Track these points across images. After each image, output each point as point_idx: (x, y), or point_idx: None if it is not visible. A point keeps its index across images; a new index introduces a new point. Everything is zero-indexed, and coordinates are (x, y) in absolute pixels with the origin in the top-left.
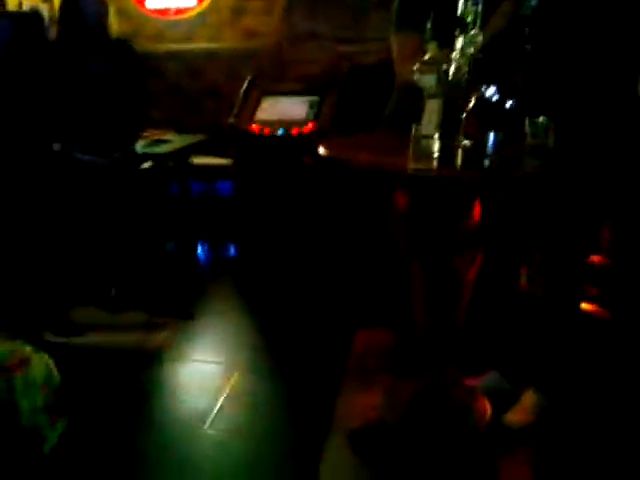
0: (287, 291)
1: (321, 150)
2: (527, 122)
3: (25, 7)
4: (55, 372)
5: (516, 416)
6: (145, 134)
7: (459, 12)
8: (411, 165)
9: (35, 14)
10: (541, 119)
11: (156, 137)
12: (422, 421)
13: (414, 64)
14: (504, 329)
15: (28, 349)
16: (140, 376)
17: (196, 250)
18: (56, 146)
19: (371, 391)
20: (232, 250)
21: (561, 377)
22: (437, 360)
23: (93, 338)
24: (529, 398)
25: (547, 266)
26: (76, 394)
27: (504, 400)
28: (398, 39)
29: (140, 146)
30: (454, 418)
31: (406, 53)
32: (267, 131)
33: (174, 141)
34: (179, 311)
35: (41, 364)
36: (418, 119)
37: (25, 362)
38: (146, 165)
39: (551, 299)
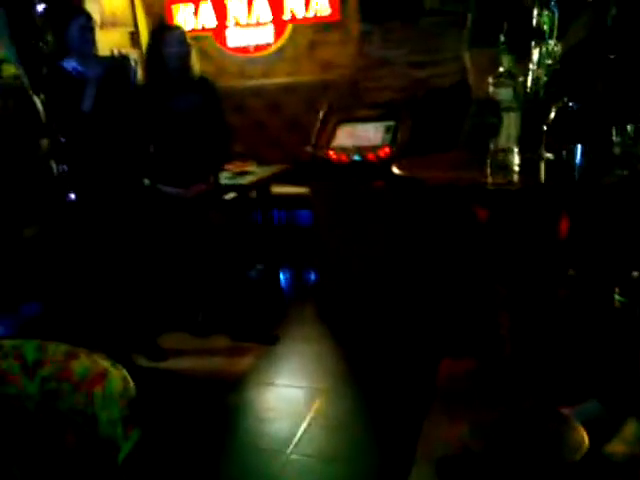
0: (370, 317)
1: (395, 170)
2: (614, 131)
3: (116, 53)
4: (131, 384)
5: (617, 447)
6: (229, 166)
7: (534, 22)
8: (490, 179)
9: (124, 58)
10: (629, 127)
11: (239, 169)
12: (508, 449)
13: (489, 78)
14: (602, 353)
15: (106, 363)
16: (225, 399)
17: (279, 277)
18: (146, 181)
19: (456, 419)
20: (314, 276)
21: None
22: (524, 388)
23: (181, 362)
24: (630, 428)
25: None
26: (160, 416)
27: (604, 430)
28: (473, 55)
29: (224, 178)
30: (542, 446)
31: (481, 68)
32: (344, 157)
33: (256, 172)
34: (263, 336)
35: (118, 377)
36: (496, 134)
37: (103, 375)
38: (230, 196)
39: None
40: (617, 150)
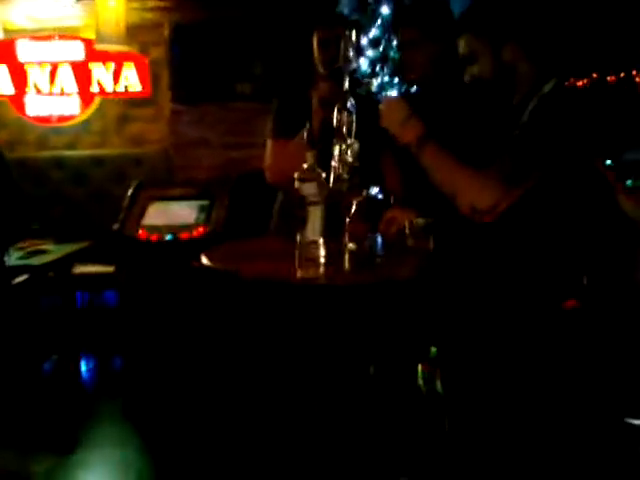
0: (183, 413)
1: (204, 260)
2: (406, 223)
3: None
4: None
5: None
6: (22, 245)
7: (334, 122)
8: (299, 273)
9: None
10: (420, 220)
11: (33, 248)
12: None
13: (290, 171)
14: (411, 431)
15: None
16: None
17: (79, 368)
18: None
19: None
20: (120, 365)
21: None
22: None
23: None
24: None
25: (444, 359)
26: None
27: None
28: (275, 146)
29: (15, 258)
30: None
31: (282, 161)
32: (155, 237)
33: (53, 251)
34: (58, 442)
35: None
36: (303, 226)
37: None
38: (21, 278)
39: (454, 398)
40: (410, 242)
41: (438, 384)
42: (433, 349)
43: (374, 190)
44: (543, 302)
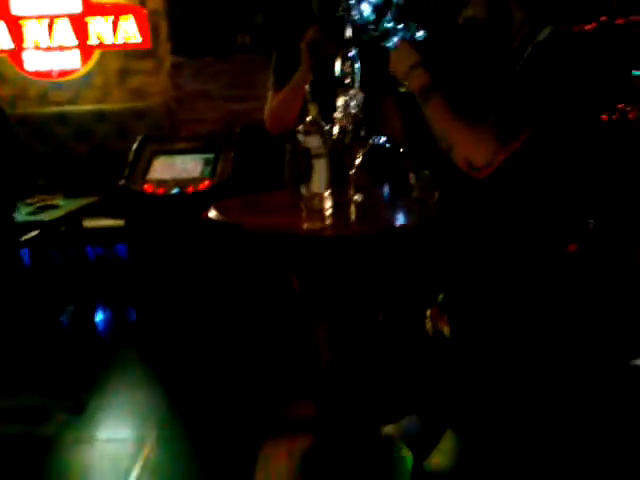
0: (194, 358)
1: (212, 213)
2: (412, 175)
3: None
4: None
5: (436, 460)
6: (31, 201)
7: (337, 72)
8: (305, 225)
9: None
10: (426, 172)
11: (42, 203)
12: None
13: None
14: (419, 372)
15: None
16: (37, 462)
17: (94, 319)
18: None
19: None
20: (133, 316)
21: (476, 418)
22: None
23: None
24: (448, 440)
25: (451, 304)
26: None
27: (426, 444)
28: (275, 97)
29: (24, 214)
30: (364, 470)
31: (278, 109)
32: (161, 191)
33: (63, 206)
34: (78, 388)
35: None
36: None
37: None
38: (32, 234)
39: (458, 338)
40: (415, 193)
41: (445, 328)
42: (440, 295)
43: (381, 140)
44: (545, 246)
